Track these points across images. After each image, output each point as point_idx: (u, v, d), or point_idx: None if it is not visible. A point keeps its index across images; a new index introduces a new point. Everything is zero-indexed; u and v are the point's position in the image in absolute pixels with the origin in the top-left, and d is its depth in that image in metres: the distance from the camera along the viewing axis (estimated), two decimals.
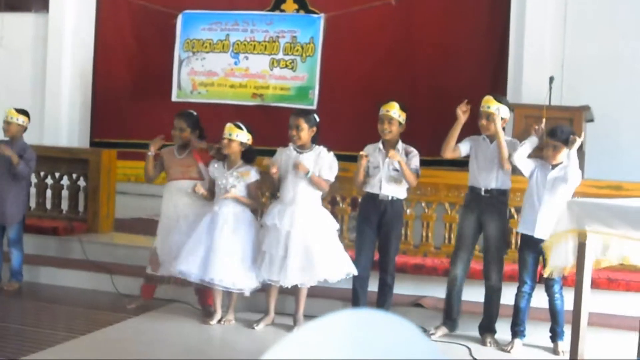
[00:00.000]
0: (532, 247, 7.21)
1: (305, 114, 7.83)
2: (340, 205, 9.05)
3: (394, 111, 7.62)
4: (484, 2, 11.76)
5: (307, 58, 12.28)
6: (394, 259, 7.81)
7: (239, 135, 7.79)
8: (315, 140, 7.80)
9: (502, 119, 7.45)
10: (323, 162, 7.68)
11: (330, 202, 9.03)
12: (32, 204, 10.29)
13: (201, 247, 7.71)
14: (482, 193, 7.45)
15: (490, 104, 7.44)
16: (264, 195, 8.92)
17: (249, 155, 7.90)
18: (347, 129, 11.50)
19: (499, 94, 10.69)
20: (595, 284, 7.19)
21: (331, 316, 2.08)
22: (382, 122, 7.63)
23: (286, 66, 12.42)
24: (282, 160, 7.77)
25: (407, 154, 7.66)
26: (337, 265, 7.68)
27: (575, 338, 6.44)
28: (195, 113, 8.34)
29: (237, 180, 7.78)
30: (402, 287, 8.22)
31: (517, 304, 7.33)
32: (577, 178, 7.11)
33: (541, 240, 6.91)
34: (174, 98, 12.76)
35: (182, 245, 7.83)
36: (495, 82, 11.53)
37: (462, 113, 7.47)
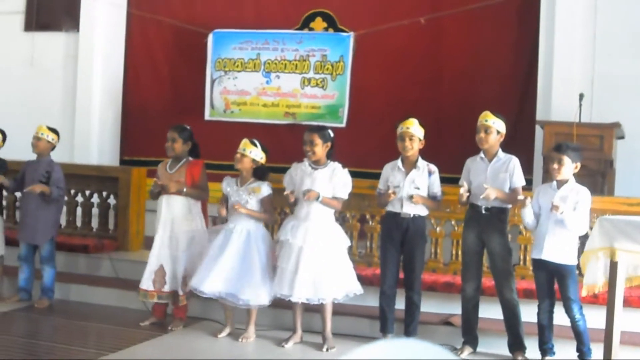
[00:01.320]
0: (543, 268, 7.17)
1: (319, 129, 7.85)
2: (370, 223, 9.03)
3: (414, 128, 7.61)
4: (513, 20, 11.71)
5: (337, 76, 12.29)
6: (420, 276, 7.78)
7: (252, 152, 7.86)
8: (330, 156, 7.81)
9: (498, 132, 7.42)
10: (337, 180, 7.69)
11: (360, 220, 9.02)
12: (63, 221, 10.35)
13: (215, 264, 7.78)
14: (482, 211, 7.43)
15: (488, 118, 7.42)
16: (276, 210, 8.96)
17: (260, 173, 7.95)
18: (376, 146, 11.47)
19: (527, 111, 10.72)
20: (627, 302, 7.13)
21: (369, 348, 2.08)
22: (402, 139, 7.63)
23: (317, 85, 12.44)
24: (296, 175, 7.81)
25: (429, 172, 7.64)
26: (344, 284, 7.71)
27: (608, 357, 6.38)
28: (188, 127, 8.42)
29: (250, 196, 7.82)
30: (432, 305, 8.22)
31: (539, 321, 7.27)
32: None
33: (550, 262, 6.99)
34: (206, 117, 12.82)
35: (183, 260, 8.09)
36: (524, 99, 11.48)
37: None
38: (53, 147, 9.15)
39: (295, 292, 7.56)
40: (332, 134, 7.81)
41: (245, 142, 7.91)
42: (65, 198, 10.25)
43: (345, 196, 7.74)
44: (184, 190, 8.13)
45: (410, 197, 7.51)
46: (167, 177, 8.24)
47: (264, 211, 7.91)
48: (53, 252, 9.07)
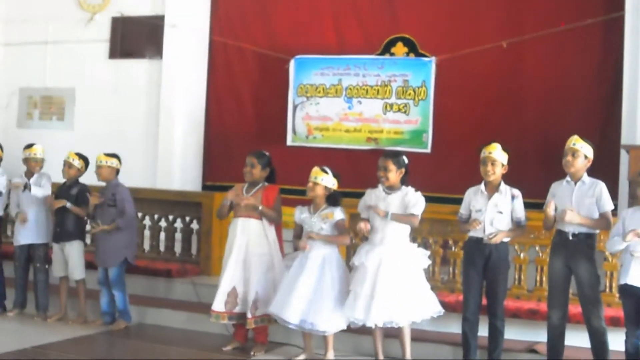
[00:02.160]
0: (630, 294, 7.01)
1: (393, 155, 7.82)
2: (453, 249, 8.94)
3: (496, 152, 7.53)
4: (596, 41, 11.54)
5: (419, 102, 12.26)
6: (503, 302, 7.68)
7: (324, 180, 7.86)
8: (405, 181, 7.78)
9: (585, 157, 7.32)
10: (409, 199, 7.66)
11: (443, 245, 8.95)
12: (146, 246, 10.48)
13: (292, 291, 7.79)
14: (570, 237, 7.29)
15: (576, 142, 7.31)
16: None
17: (333, 200, 7.94)
18: (459, 171, 11.37)
19: (611, 135, 10.52)
20: None
21: None
22: (484, 164, 7.56)
23: (399, 110, 12.42)
24: (370, 201, 7.81)
25: (512, 197, 7.55)
26: (422, 306, 7.65)
27: None
28: (267, 153, 8.45)
29: (323, 222, 7.81)
30: (516, 332, 8.11)
31: (626, 349, 7.11)
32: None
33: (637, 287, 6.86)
34: (289, 142, 12.90)
35: (255, 284, 8.13)
36: (607, 123, 11.28)
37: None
38: (117, 171, 9.31)
39: (371, 317, 7.53)
40: (406, 160, 7.78)
41: (316, 170, 7.93)
42: (149, 223, 10.40)
43: (417, 212, 7.64)
44: (259, 208, 8.16)
45: (491, 235, 7.44)
46: (242, 199, 8.29)
47: (339, 234, 7.88)
48: (121, 276, 9.18)
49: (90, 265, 9.56)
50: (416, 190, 7.74)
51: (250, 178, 8.33)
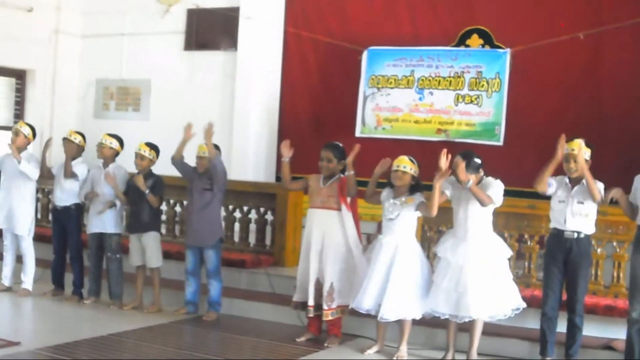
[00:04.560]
0: None
1: (468, 162, 7.60)
2: (528, 243, 8.88)
3: (579, 149, 7.45)
4: None
5: (492, 93, 12.16)
6: (583, 299, 7.60)
7: (412, 169, 7.86)
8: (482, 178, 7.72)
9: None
10: (488, 184, 7.63)
11: (518, 239, 8.88)
12: None
13: (369, 281, 7.83)
14: None
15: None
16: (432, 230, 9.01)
17: (416, 189, 7.91)
18: (534, 165, 11.16)
19: None
20: None
21: None
22: (567, 161, 7.50)
23: (471, 102, 12.33)
24: (453, 192, 7.76)
25: None
26: (506, 300, 7.63)
27: None
28: (341, 145, 8.44)
29: (402, 207, 7.82)
30: (593, 329, 8.03)
31: None
32: None
33: None
34: (357, 134, 12.88)
35: (332, 274, 8.16)
36: None
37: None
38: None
39: (460, 313, 7.55)
40: (479, 161, 7.67)
41: (404, 159, 7.91)
42: (224, 213, 10.45)
43: (493, 194, 7.57)
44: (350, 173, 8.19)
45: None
46: (319, 192, 8.34)
47: (423, 212, 7.85)
48: (219, 266, 9.28)
49: (166, 255, 9.71)
50: (496, 179, 7.70)
51: (327, 172, 8.35)
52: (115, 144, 9.67)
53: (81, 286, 9.96)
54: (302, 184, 8.71)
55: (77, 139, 9.83)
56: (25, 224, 10.01)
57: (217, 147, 9.31)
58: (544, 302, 7.61)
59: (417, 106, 12.70)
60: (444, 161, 7.54)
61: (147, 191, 9.32)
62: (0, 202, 10.04)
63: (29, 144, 10.01)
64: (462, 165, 7.50)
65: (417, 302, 7.77)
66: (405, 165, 7.88)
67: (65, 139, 9.85)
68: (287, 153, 8.58)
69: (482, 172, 7.68)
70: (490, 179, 7.70)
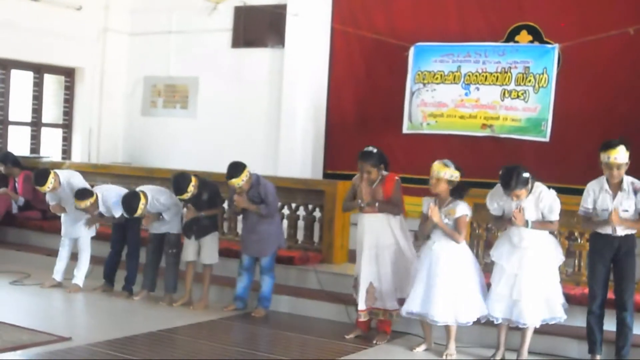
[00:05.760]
0: None
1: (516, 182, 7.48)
2: (578, 241, 8.84)
3: (620, 156, 7.30)
4: None
5: (539, 89, 12.06)
6: (632, 296, 7.54)
7: (446, 174, 7.77)
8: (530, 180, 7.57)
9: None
10: (544, 205, 7.54)
11: (568, 237, 8.84)
12: None
13: (418, 286, 7.86)
14: None
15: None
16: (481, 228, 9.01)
17: (459, 192, 7.87)
18: (581, 162, 11.17)
19: None
20: None
21: None
22: (609, 168, 7.32)
23: (517, 97, 12.24)
24: (503, 202, 7.67)
25: (635, 191, 7.36)
26: (554, 304, 7.64)
27: None
28: (375, 150, 8.34)
29: (447, 218, 7.79)
30: None
31: None
32: None
33: None
34: (404, 130, 12.84)
35: (389, 276, 8.22)
36: None
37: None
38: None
39: (521, 319, 7.56)
40: (527, 175, 7.43)
41: (438, 165, 7.81)
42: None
43: (555, 218, 7.55)
44: (376, 204, 8.21)
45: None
46: (368, 192, 8.34)
47: (455, 231, 7.80)
48: (273, 262, 9.37)
49: (223, 254, 9.86)
50: (549, 188, 7.62)
51: (371, 182, 8.34)
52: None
53: (133, 283, 10.06)
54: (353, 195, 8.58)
55: (85, 204, 9.84)
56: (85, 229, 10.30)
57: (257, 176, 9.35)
58: (591, 300, 7.56)
59: (462, 101, 12.62)
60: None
61: (202, 214, 9.47)
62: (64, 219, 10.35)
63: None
64: (519, 216, 7.44)
65: (470, 307, 7.77)
66: (439, 171, 7.79)
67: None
68: (365, 201, 8.38)
69: (529, 184, 7.52)
70: (544, 192, 7.57)
